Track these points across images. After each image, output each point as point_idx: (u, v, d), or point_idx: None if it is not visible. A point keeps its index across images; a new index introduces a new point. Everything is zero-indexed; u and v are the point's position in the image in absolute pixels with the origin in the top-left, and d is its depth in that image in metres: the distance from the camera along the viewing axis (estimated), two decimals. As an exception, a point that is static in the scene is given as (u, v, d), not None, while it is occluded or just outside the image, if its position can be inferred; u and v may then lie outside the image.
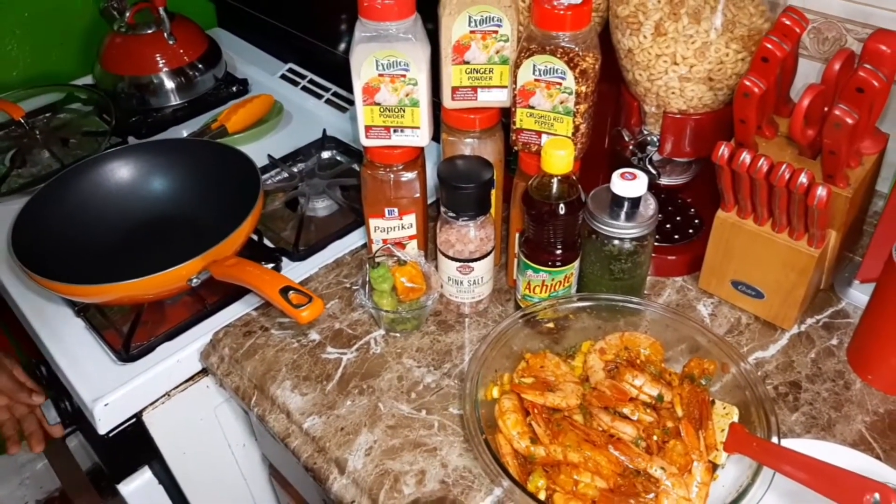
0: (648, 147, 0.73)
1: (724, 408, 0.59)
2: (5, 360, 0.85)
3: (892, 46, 0.55)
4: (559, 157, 0.63)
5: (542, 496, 0.55)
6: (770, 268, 0.71)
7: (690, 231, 0.83)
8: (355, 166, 1.04)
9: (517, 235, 0.73)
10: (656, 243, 0.81)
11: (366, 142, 0.71)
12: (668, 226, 0.83)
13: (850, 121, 0.55)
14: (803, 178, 0.60)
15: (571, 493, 0.55)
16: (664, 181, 0.80)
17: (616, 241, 0.69)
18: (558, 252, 0.68)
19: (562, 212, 0.66)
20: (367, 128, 0.70)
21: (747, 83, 0.59)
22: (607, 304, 0.68)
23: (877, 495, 0.42)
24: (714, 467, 0.57)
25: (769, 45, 0.58)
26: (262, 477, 0.96)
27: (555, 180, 0.65)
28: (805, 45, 0.76)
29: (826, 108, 0.59)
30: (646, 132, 0.73)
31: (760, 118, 0.65)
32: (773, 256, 0.70)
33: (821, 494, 0.46)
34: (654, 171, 0.73)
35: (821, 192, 0.59)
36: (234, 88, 1.25)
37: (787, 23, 0.60)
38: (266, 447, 0.91)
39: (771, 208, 0.67)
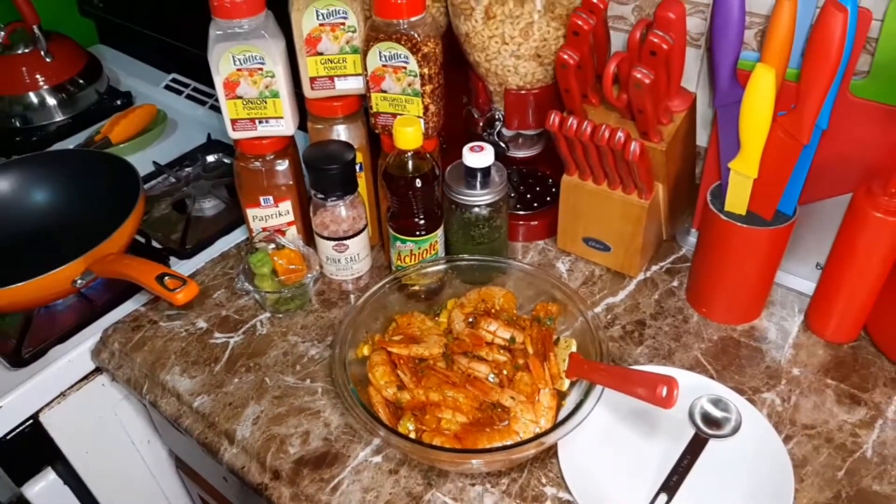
0: (496, 122, 0.80)
1: (566, 342, 0.67)
2: None
3: (676, 13, 0.64)
4: (408, 133, 0.69)
5: (412, 437, 0.61)
6: (611, 222, 0.80)
7: (548, 199, 0.91)
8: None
9: (386, 211, 0.79)
10: (521, 212, 0.89)
11: (233, 134, 0.76)
12: (528, 196, 0.91)
13: (647, 81, 0.64)
14: (620, 136, 0.68)
15: (436, 430, 0.61)
16: (519, 154, 0.88)
17: (475, 209, 0.76)
18: (421, 222, 0.75)
19: (418, 184, 0.72)
20: (233, 121, 0.75)
21: (564, 56, 0.67)
22: (468, 265, 0.75)
23: (664, 388, 0.50)
24: (561, 395, 0.65)
25: (578, 21, 0.66)
26: (170, 471, 0.99)
27: (409, 155, 0.71)
28: (630, 21, 0.85)
29: (632, 73, 0.67)
30: (494, 109, 0.81)
31: (583, 87, 0.73)
32: (612, 211, 0.79)
33: (628, 395, 0.54)
34: (503, 145, 0.81)
35: (633, 146, 0.68)
36: (118, 101, 1.26)
37: (593, 0, 0.68)
38: (170, 440, 0.93)
39: (603, 168, 0.75)
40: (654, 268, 0.85)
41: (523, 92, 0.78)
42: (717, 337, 0.76)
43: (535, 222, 0.89)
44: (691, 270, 0.80)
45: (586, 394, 0.59)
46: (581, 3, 0.70)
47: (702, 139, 0.86)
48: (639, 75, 0.64)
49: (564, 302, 0.69)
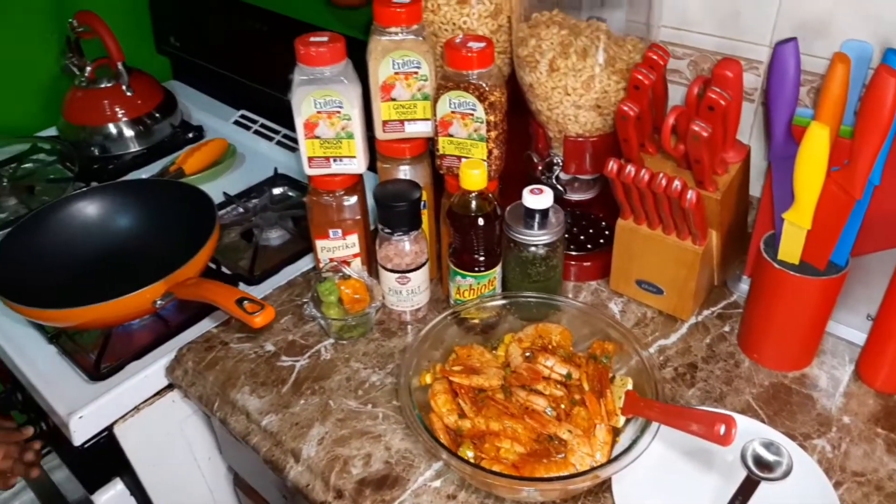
0: (554, 167, 0.84)
1: (622, 380, 0.69)
2: None
3: (734, 71, 0.68)
4: (474, 176, 0.74)
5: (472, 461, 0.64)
6: (665, 266, 0.82)
7: (601, 241, 0.94)
8: (305, 199, 1.14)
9: (447, 247, 0.84)
10: (574, 252, 0.92)
11: (309, 171, 0.82)
12: (582, 237, 0.95)
13: (704, 134, 0.67)
14: (677, 184, 0.72)
15: (495, 459, 0.64)
16: (574, 197, 0.92)
17: (531, 248, 0.80)
18: (481, 259, 0.79)
19: (480, 223, 0.76)
20: (310, 159, 0.80)
21: (624, 108, 0.71)
22: (524, 302, 0.78)
23: (723, 426, 0.53)
24: (616, 431, 0.67)
25: (639, 76, 0.70)
26: (227, 488, 1.03)
27: (473, 196, 0.76)
28: (685, 74, 0.89)
29: (690, 126, 0.71)
30: (553, 155, 0.85)
31: (641, 137, 0.77)
32: (666, 255, 0.81)
33: (685, 432, 0.56)
34: (560, 188, 0.85)
35: (690, 194, 0.71)
36: (191, 134, 1.34)
37: (654, 56, 0.72)
38: (230, 457, 0.98)
39: (659, 213, 0.78)
40: (706, 312, 0.87)
41: (581, 139, 0.82)
42: (769, 383, 0.78)
43: (589, 263, 0.92)
44: (743, 316, 0.82)
45: (642, 430, 0.62)
46: (642, 59, 0.75)
47: (755, 189, 0.89)
48: (697, 129, 0.67)
49: (620, 341, 0.72)
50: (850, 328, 0.79)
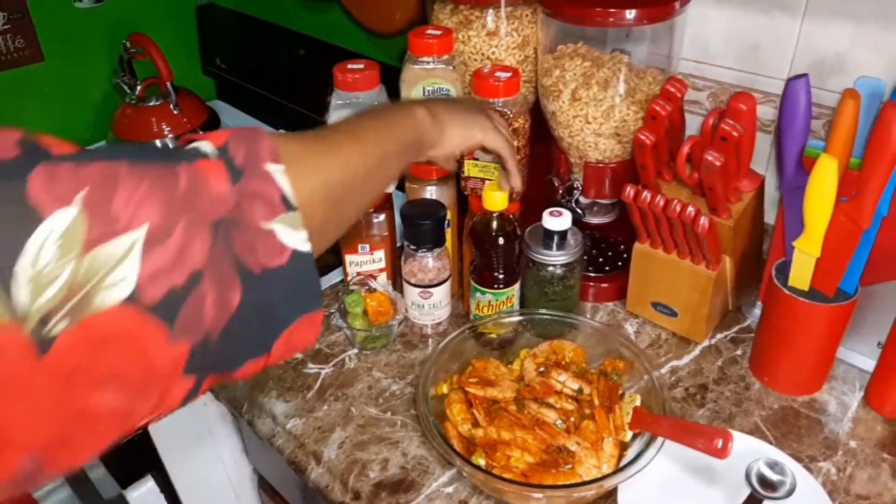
0: (574, 191, 0.88)
1: (630, 397, 0.72)
2: None
3: (748, 105, 0.71)
4: (496, 197, 0.77)
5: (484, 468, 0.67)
6: (679, 289, 0.85)
7: (619, 263, 0.97)
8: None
9: (469, 265, 0.87)
10: (593, 274, 0.95)
11: (341, 189, 0.86)
12: (600, 259, 0.98)
13: (717, 163, 0.70)
14: (690, 210, 0.75)
15: (505, 467, 0.67)
16: (594, 220, 0.95)
17: (549, 268, 0.83)
18: (500, 276, 0.82)
19: (501, 242, 0.80)
20: (342, 177, 0.85)
21: (641, 136, 0.75)
22: (541, 319, 0.81)
23: (720, 440, 0.55)
24: (624, 446, 0.70)
25: (656, 107, 0.74)
26: (251, 490, 1.07)
27: (494, 216, 0.80)
28: (705, 105, 0.92)
29: (704, 155, 0.74)
30: (573, 179, 0.89)
31: (658, 164, 0.80)
32: (680, 279, 0.84)
33: (686, 446, 0.59)
34: (579, 211, 0.88)
35: (703, 220, 0.74)
36: (231, 151, 1.41)
37: (671, 89, 0.76)
38: (256, 460, 1.02)
39: (674, 238, 0.81)
40: (719, 336, 0.89)
41: (601, 165, 0.86)
42: (778, 406, 0.79)
43: (606, 284, 0.95)
44: (755, 340, 0.84)
45: (647, 443, 0.64)
46: (660, 91, 0.78)
47: (770, 217, 0.91)
48: (710, 158, 0.70)
49: (632, 360, 0.75)
50: (861, 355, 0.80)
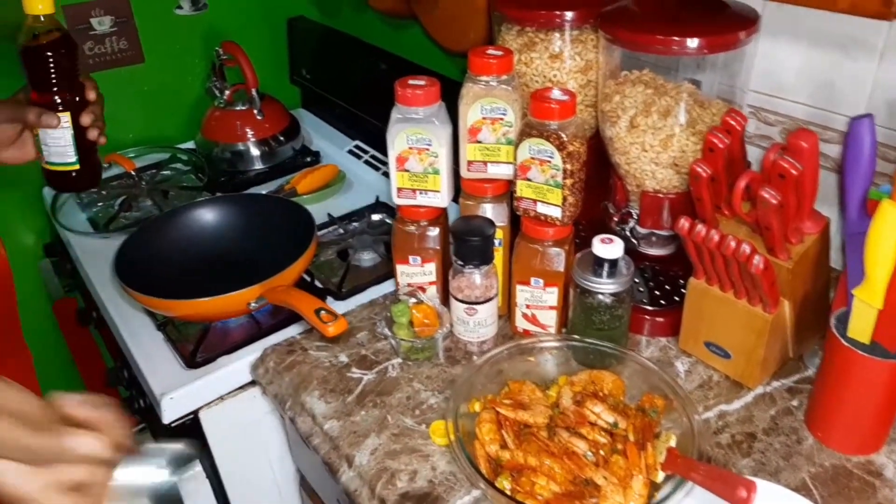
0: (629, 219, 0.86)
1: (666, 436, 0.70)
2: None
3: (809, 142, 0.68)
4: None
5: (507, 493, 0.67)
6: (734, 330, 0.82)
7: (676, 298, 0.94)
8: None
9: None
10: (648, 307, 0.93)
11: (397, 200, 0.88)
12: (657, 292, 0.95)
13: (773, 201, 0.68)
14: (745, 248, 0.72)
15: (529, 494, 0.67)
16: (652, 251, 0.93)
17: (598, 296, 0.82)
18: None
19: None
20: (399, 189, 0.87)
21: (697, 168, 0.73)
22: (583, 347, 0.80)
23: (744, 490, 0.53)
24: (655, 486, 0.68)
25: (713, 139, 0.72)
26: (293, 489, 1.10)
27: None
28: (776, 140, 0.89)
29: (764, 192, 0.71)
30: (630, 207, 0.87)
31: (717, 199, 0.78)
32: (735, 319, 0.81)
33: (716, 495, 0.57)
34: (634, 241, 0.87)
35: (757, 260, 0.71)
36: (308, 158, 1.47)
37: (731, 121, 0.73)
38: (298, 458, 1.05)
39: (730, 276, 0.78)
40: (776, 384, 0.85)
41: (659, 195, 0.84)
42: (829, 464, 0.75)
43: (661, 319, 0.92)
44: (812, 392, 0.80)
45: (676, 487, 0.62)
46: (721, 122, 0.76)
47: (838, 262, 0.86)
48: (766, 195, 0.68)
49: (672, 399, 0.73)
50: (927, 418, 0.75)
